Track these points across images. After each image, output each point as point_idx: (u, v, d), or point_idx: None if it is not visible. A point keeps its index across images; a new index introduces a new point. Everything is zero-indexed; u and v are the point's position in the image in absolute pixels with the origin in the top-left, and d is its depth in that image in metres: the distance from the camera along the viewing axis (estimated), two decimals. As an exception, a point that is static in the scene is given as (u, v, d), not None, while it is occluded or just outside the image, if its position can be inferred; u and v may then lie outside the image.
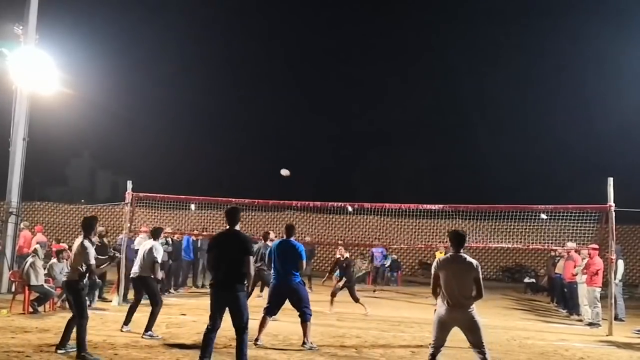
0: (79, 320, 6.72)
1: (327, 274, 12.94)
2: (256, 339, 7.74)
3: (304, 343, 7.76)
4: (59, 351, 6.82)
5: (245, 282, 6.27)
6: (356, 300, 11.61)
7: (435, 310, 6.05)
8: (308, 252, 15.88)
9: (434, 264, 5.99)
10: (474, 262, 5.81)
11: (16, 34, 12.94)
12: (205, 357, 6.18)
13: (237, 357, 6.17)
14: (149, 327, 8.11)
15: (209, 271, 6.79)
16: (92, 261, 6.93)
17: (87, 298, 10.69)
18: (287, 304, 8.00)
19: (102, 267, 9.01)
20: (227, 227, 6.47)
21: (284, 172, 12.06)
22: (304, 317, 7.77)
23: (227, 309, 6.28)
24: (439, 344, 5.83)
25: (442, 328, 5.83)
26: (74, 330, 6.79)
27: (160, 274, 8.85)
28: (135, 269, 8.69)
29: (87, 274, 6.95)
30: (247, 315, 6.26)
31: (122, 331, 8.29)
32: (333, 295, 11.88)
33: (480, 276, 5.78)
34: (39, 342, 7.46)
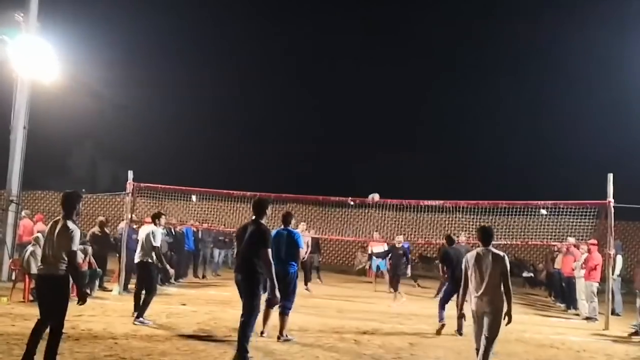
0: (59, 326, 5.56)
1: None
2: (261, 332, 7.64)
3: (279, 337, 7.55)
4: None
5: (260, 273, 6.27)
6: (395, 289, 12.09)
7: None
8: (314, 245, 16.11)
9: (464, 260, 6.21)
10: (502, 254, 6.01)
11: (17, 21, 12.89)
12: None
13: (238, 335, 6.27)
14: (140, 313, 8.32)
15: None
16: (76, 247, 5.63)
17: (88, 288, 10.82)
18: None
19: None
20: (253, 217, 6.60)
21: (374, 196, 11.97)
22: (283, 310, 7.58)
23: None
24: (478, 336, 5.99)
25: (478, 321, 6.01)
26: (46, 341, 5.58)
27: (162, 262, 9.00)
28: (137, 255, 8.94)
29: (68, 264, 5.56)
30: (252, 299, 6.27)
31: (134, 324, 8.14)
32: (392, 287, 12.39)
33: (507, 270, 5.95)
34: (39, 330, 7.49)
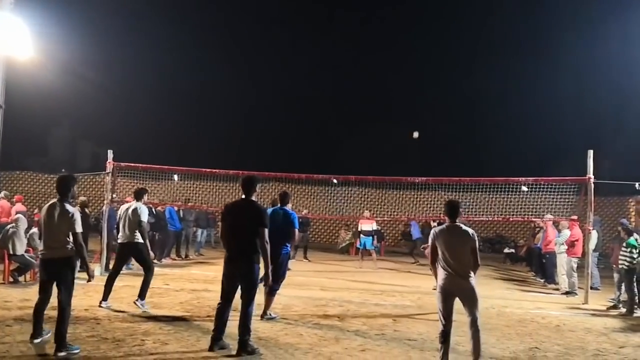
0: (65, 306, 5.74)
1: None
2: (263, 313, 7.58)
3: (262, 315, 7.52)
4: (35, 341, 5.83)
5: (258, 253, 5.96)
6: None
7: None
8: (304, 225, 16.14)
9: (431, 234, 5.95)
10: (470, 231, 5.79)
11: (-10, -2, 12.47)
12: (219, 333, 5.95)
13: (239, 329, 5.91)
14: (142, 295, 7.92)
15: (222, 242, 6.21)
16: (80, 229, 5.77)
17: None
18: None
19: None
20: (243, 196, 6.18)
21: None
22: (271, 291, 7.50)
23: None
24: (446, 314, 5.76)
25: (445, 298, 5.79)
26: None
27: (146, 239, 8.19)
28: (123, 234, 8.20)
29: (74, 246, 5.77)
30: (255, 288, 6.00)
31: (100, 307, 7.86)
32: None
33: (477, 245, 5.78)
34: (19, 312, 7.43)
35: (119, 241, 8.44)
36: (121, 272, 8.43)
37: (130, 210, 8.18)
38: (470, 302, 5.73)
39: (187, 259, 15.57)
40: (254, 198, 6.20)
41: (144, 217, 8.16)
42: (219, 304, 6.04)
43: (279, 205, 7.89)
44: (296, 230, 7.76)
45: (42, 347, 5.84)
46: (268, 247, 6.00)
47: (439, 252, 5.79)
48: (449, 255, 5.71)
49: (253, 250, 5.96)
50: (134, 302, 7.89)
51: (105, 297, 7.98)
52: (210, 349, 5.92)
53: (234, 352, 5.90)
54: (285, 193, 8.04)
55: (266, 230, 5.99)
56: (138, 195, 8.48)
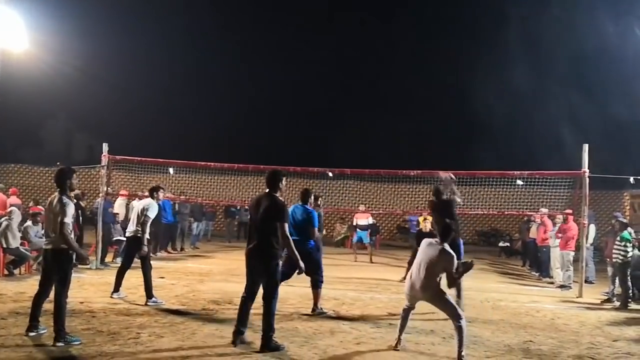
0: (59, 297, 5.79)
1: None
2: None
3: (314, 309, 7.72)
4: (31, 334, 5.91)
5: (278, 249, 5.88)
6: None
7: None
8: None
9: (422, 243, 6.22)
10: (452, 254, 5.89)
11: (-17, -11, 12.37)
12: (240, 325, 5.92)
13: (262, 325, 5.85)
14: (149, 294, 7.97)
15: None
16: (68, 219, 5.91)
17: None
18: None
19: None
20: (266, 190, 6.09)
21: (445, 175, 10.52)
22: (315, 284, 7.72)
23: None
24: (408, 302, 6.25)
25: (410, 300, 6.21)
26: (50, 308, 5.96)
27: (147, 234, 8.25)
28: (131, 228, 8.41)
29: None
30: (273, 285, 5.90)
31: (112, 297, 8.11)
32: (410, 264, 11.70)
33: (453, 269, 5.90)
34: (14, 304, 7.42)
35: (126, 235, 8.83)
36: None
37: (141, 206, 8.40)
38: (438, 304, 5.99)
39: (183, 252, 15.57)
40: (278, 194, 6.07)
41: (150, 213, 8.27)
42: (242, 296, 6.04)
43: (300, 202, 7.90)
44: (315, 230, 7.76)
45: (38, 338, 5.85)
46: (289, 241, 5.94)
47: (417, 259, 6.07)
48: (420, 266, 5.96)
49: (269, 246, 5.85)
50: (146, 304, 7.85)
51: (116, 289, 8.27)
52: (233, 343, 5.90)
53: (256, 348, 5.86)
54: (306, 190, 8.01)
55: (286, 225, 5.89)
56: (150, 193, 8.67)
